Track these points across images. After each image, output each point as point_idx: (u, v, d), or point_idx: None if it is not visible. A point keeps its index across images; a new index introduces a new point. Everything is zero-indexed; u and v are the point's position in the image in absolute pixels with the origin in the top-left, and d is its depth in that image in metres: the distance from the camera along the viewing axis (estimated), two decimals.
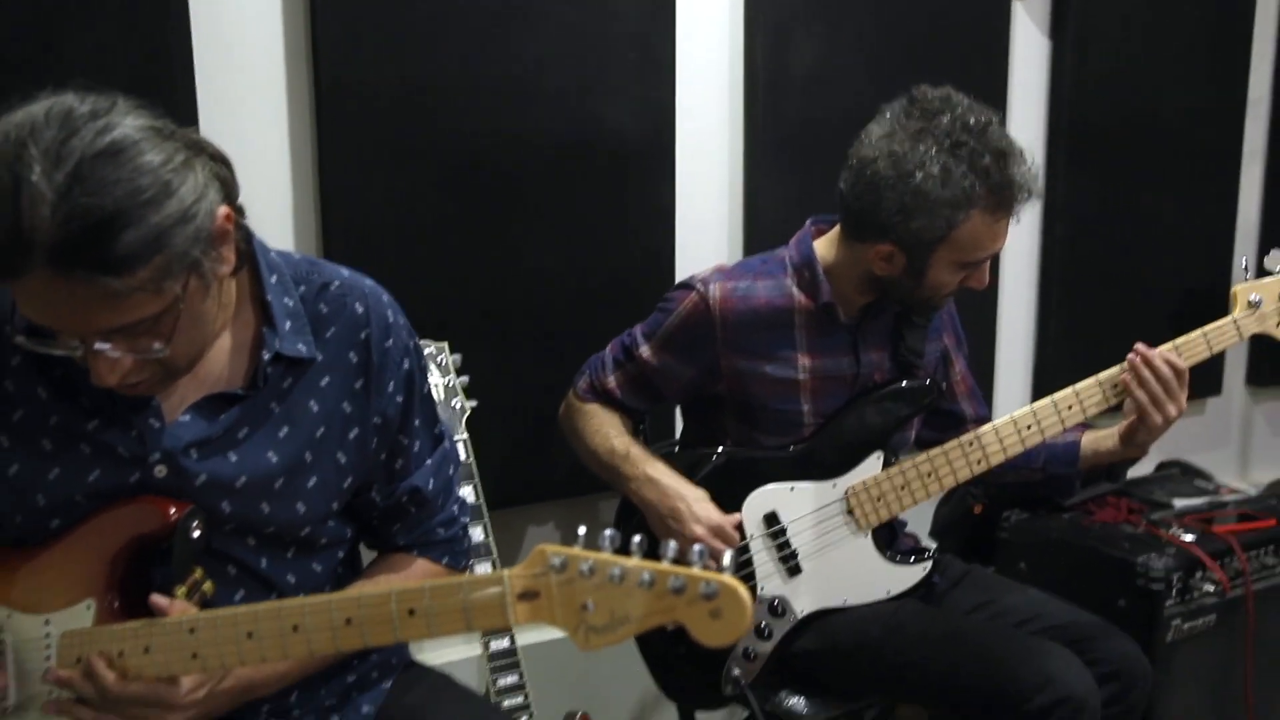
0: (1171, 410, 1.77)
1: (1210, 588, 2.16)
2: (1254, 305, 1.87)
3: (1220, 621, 2.19)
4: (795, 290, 1.79)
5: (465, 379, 1.97)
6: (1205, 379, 3.19)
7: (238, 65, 1.90)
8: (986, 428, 1.82)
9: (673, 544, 1.02)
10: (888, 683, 1.76)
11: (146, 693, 1.18)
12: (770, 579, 1.78)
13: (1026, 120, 2.73)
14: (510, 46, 2.05)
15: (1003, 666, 1.65)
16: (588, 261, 2.19)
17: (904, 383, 1.83)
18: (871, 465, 1.80)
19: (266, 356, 1.26)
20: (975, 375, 2.03)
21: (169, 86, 1.79)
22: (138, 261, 1.05)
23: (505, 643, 1.90)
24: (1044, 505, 2.39)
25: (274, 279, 1.30)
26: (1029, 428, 1.82)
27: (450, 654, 2.18)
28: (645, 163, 2.22)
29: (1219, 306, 1.89)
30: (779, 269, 1.81)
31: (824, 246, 1.81)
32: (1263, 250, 3.21)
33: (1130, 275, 2.87)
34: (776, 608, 1.77)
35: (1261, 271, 1.90)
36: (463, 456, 1.93)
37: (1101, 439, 1.88)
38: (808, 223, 1.86)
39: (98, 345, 1.11)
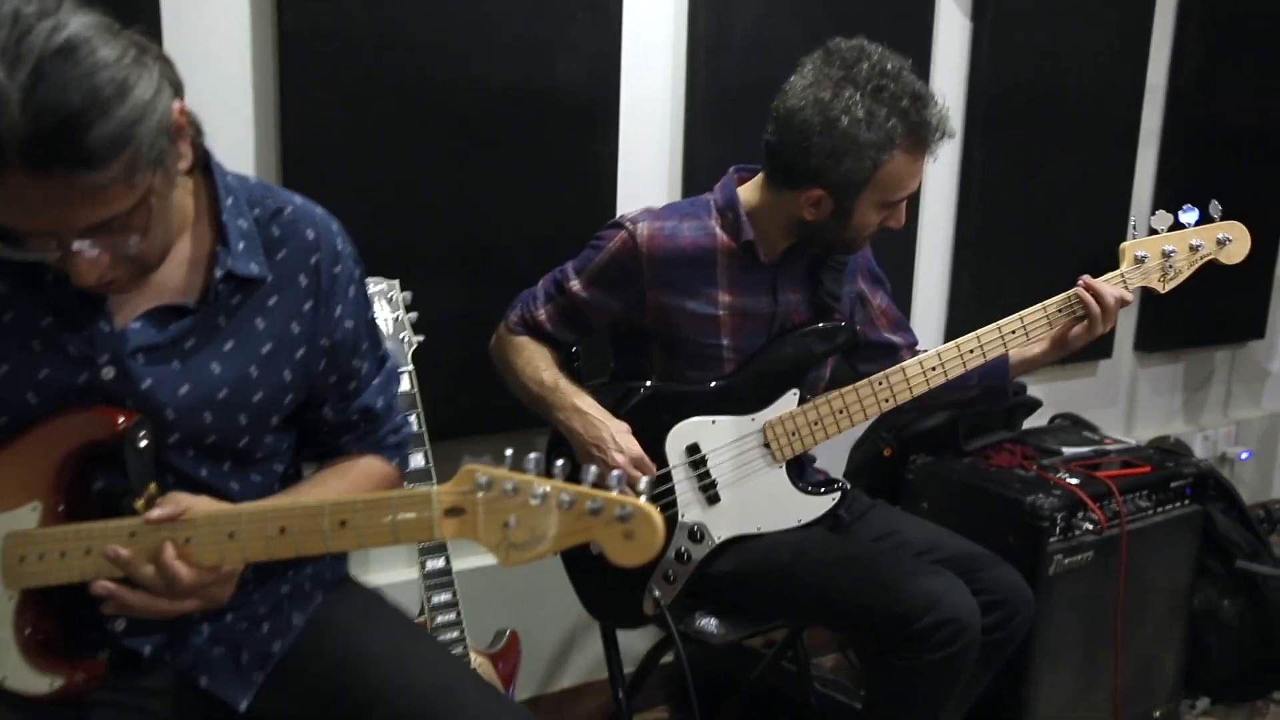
0: (1109, 325, 1.82)
1: (1090, 526, 2.18)
2: (1140, 260, 1.87)
3: (1097, 557, 2.21)
4: (718, 230, 1.76)
5: (414, 315, 1.93)
6: (1097, 343, 3.20)
7: (203, 8, 1.81)
8: (894, 369, 1.81)
9: (593, 468, 1.00)
10: (793, 604, 1.76)
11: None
12: (691, 506, 1.76)
13: (947, 93, 2.65)
14: None
15: (894, 590, 1.64)
16: (534, 206, 2.13)
17: (820, 324, 1.80)
18: (788, 401, 1.78)
19: (219, 274, 1.22)
20: None
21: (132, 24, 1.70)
22: (110, 154, 1.00)
23: (440, 563, 1.86)
24: (947, 450, 2.40)
25: (230, 200, 1.25)
26: (933, 369, 1.81)
27: (391, 575, 2.14)
28: (592, 116, 2.16)
29: (1113, 266, 1.89)
30: (704, 210, 1.78)
31: (747, 192, 1.78)
32: None
33: (1036, 238, 2.89)
34: (696, 533, 1.75)
35: (1150, 232, 1.90)
36: (407, 387, 1.89)
37: (1028, 347, 1.87)
38: (731, 170, 1.83)
39: (76, 245, 1.05)
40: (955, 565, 1.76)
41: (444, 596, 1.84)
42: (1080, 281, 1.83)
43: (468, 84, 2.01)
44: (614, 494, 1.00)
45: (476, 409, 2.11)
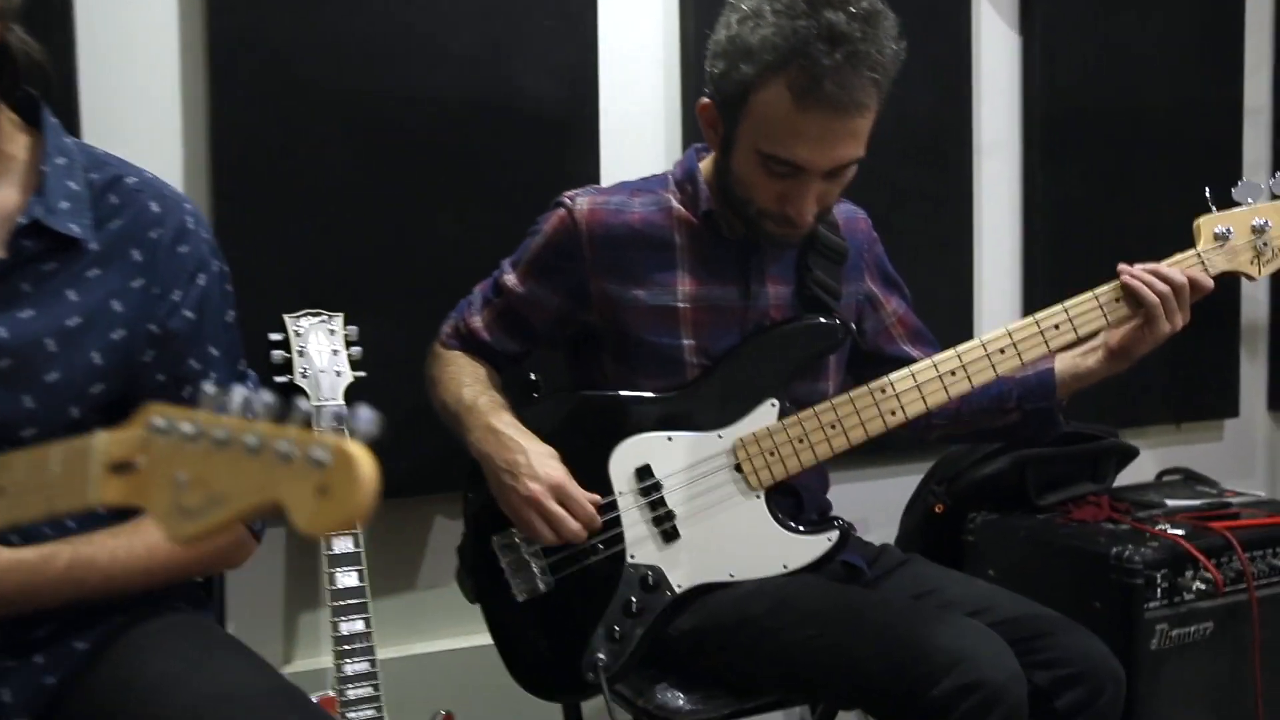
0: (1179, 321, 1.37)
1: (1202, 586, 1.64)
2: (1221, 238, 1.42)
3: (1219, 630, 1.66)
4: (676, 205, 1.42)
5: (357, 350, 1.66)
6: (1220, 398, 2.65)
7: (126, 12, 1.64)
8: (901, 372, 1.39)
9: (304, 402, 0.66)
10: (773, 668, 1.29)
11: None
12: (642, 545, 1.35)
13: (998, 113, 2.33)
14: (416, 2, 1.76)
15: (904, 645, 1.19)
16: (500, 234, 1.80)
17: (805, 319, 1.41)
18: (764, 414, 1.38)
19: (23, 221, 1.02)
20: None
21: (43, 29, 1.54)
22: None
23: (359, 625, 1.50)
24: (1017, 505, 1.91)
25: (61, 160, 1.07)
26: (951, 373, 1.38)
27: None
28: (566, 133, 1.88)
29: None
30: (659, 185, 1.45)
31: (708, 165, 1.43)
32: None
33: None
34: (649, 580, 1.34)
35: (1228, 204, 1.45)
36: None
37: (1080, 358, 1.44)
38: (692, 146, 1.49)
39: None
40: (1016, 630, 1.29)
41: (359, 666, 1.48)
42: (1120, 270, 1.39)
43: (420, 97, 1.77)
44: (313, 434, 0.65)
45: (425, 465, 1.76)
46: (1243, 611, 1.67)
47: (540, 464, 1.28)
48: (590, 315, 1.41)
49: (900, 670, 1.17)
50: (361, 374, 1.65)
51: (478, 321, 1.48)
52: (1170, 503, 1.88)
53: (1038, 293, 2.35)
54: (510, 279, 1.45)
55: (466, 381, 1.42)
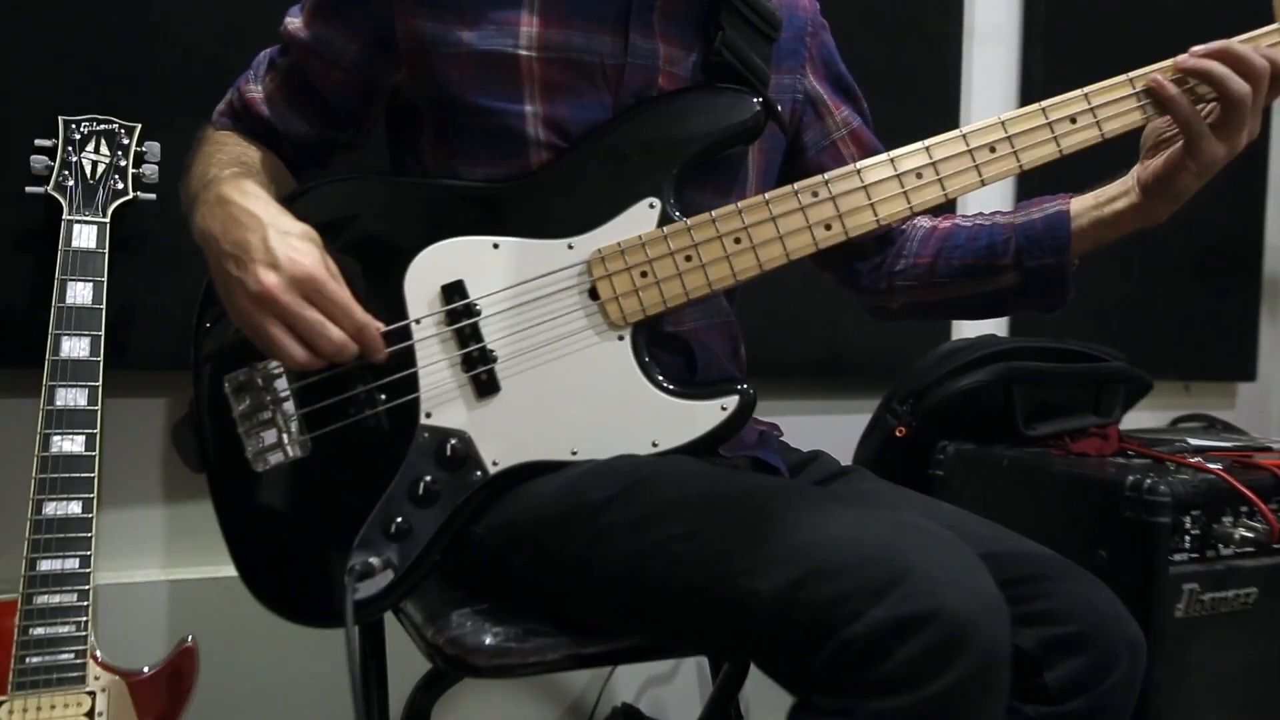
0: (1254, 128, 0.89)
1: (1248, 534, 1.13)
2: None
3: (1265, 599, 1.15)
4: None
5: (153, 169, 1.26)
6: (1235, 360, 2.16)
7: None
8: (844, 169, 0.90)
9: None
10: (614, 588, 0.78)
11: None
12: (444, 399, 0.85)
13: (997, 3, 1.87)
14: None
15: (809, 550, 0.68)
16: None
17: (711, 87, 0.92)
18: (638, 219, 0.88)
19: None
20: None
21: None
22: None
23: (75, 509, 1.02)
24: (999, 435, 1.41)
25: None
26: (914, 171, 0.89)
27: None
28: None
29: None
30: None
31: None
32: None
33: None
34: (449, 451, 0.84)
35: None
36: (92, 245, 1.16)
37: (1105, 197, 0.96)
38: None
39: None
40: (995, 569, 0.77)
41: (62, 564, 0.99)
42: (1188, 54, 0.92)
43: None
44: None
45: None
46: None
47: (283, 246, 0.78)
48: (398, 71, 0.92)
49: (801, 591, 0.67)
50: (150, 196, 1.25)
51: (256, 91, 0.98)
52: (1195, 442, 1.38)
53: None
54: (295, 23, 0.96)
55: (222, 160, 0.92)
